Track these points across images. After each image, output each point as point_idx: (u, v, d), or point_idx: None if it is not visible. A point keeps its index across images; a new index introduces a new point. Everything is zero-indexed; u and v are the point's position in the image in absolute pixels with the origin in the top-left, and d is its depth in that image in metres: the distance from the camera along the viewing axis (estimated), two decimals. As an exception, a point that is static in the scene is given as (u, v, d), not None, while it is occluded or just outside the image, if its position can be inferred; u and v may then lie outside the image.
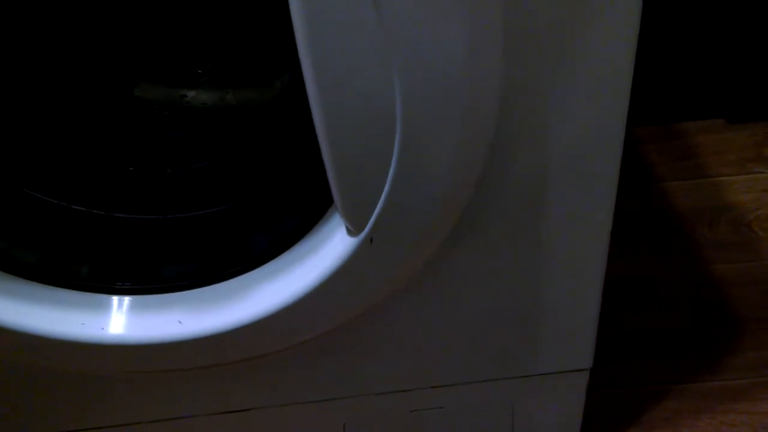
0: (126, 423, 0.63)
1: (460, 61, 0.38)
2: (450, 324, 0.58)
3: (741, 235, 0.98)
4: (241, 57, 0.53)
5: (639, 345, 0.88)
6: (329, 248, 0.48)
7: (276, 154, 0.51)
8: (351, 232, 0.46)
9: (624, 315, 0.91)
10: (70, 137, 0.54)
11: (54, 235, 0.50)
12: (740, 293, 0.92)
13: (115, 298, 0.50)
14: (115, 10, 0.52)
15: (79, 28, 0.53)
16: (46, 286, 0.49)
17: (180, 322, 0.50)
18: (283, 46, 0.40)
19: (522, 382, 0.66)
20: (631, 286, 0.94)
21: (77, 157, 0.54)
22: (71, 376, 0.56)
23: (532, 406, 0.69)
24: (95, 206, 0.52)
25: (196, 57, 0.54)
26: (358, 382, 0.64)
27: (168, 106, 0.54)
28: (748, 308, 0.91)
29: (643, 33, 0.44)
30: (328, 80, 0.38)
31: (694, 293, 0.93)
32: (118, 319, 0.50)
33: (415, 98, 0.39)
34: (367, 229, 0.45)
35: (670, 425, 0.81)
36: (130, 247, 0.51)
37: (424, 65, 0.38)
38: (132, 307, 0.50)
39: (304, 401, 0.65)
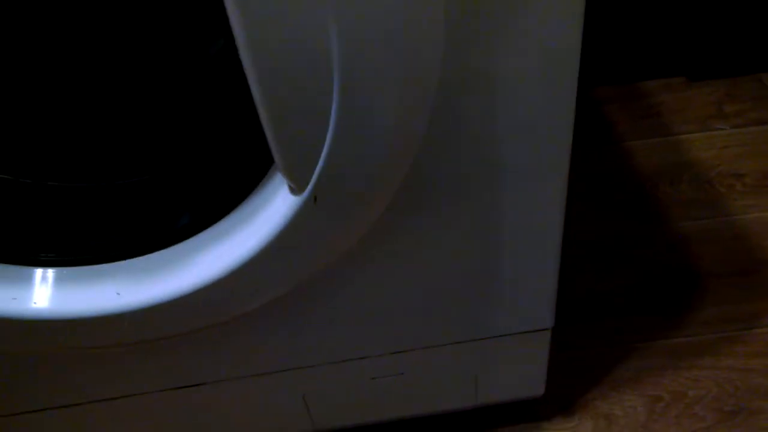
0: (72, 403, 0.60)
1: (399, 2, 0.36)
2: (405, 288, 0.57)
3: (702, 192, 0.98)
4: (174, 23, 0.50)
5: (602, 304, 0.88)
6: (272, 210, 0.45)
7: (213, 116, 0.49)
8: (293, 191, 0.44)
9: (587, 275, 0.91)
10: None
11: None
12: (702, 250, 0.92)
13: (38, 270, 0.47)
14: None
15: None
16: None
17: (118, 294, 0.47)
18: (217, 9, 0.37)
19: (483, 344, 0.64)
20: (593, 245, 0.94)
21: (2, 123, 0.50)
22: (6, 357, 0.53)
23: (494, 368, 0.68)
24: (23, 175, 0.49)
25: (125, 20, 0.51)
26: (315, 351, 0.62)
27: (97, 69, 0.51)
28: (711, 264, 0.91)
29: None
30: (257, 26, 0.35)
31: (657, 251, 0.93)
32: (50, 293, 0.47)
33: (352, 41, 0.36)
34: (310, 186, 0.43)
35: (634, 383, 0.80)
36: (58, 216, 0.48)
37: (361, 6, 0.35)
38: (61, 279, 0.47)
39: (259, 373, 0.63)
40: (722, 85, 1.11)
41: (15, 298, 0.47)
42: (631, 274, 0.90)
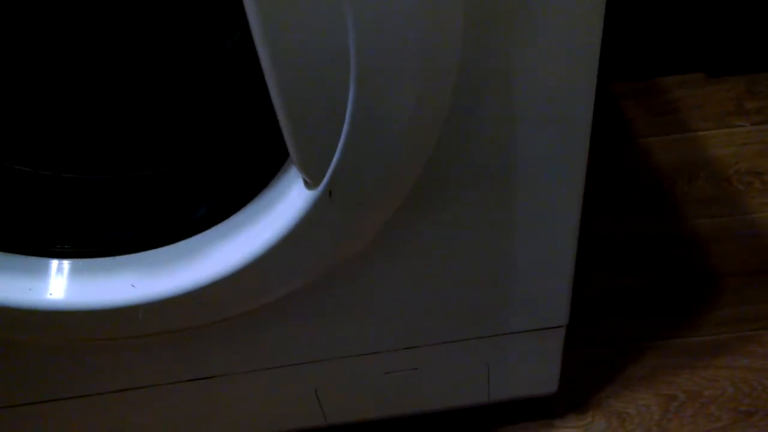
0: (83, 395, 0.60)
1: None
2: (419, 284, 0.56)
3: (720, 189, 0.97)
4: (190, 13, 0.50)
5: (618, 302, 0.87)
6: (287, 203, 0.45)
7: (228, 109, 0.48)
8: (308, 185, 0.43)
9: (603, 272, 0.90)
10: (12, 96, 0.51)
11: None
12: (720, 248, 0.91)
13: (54, 262, 0.47)
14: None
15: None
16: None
17: (133, 286, 0.47)
18: (234, 2, 0.37)
19: (496, 341, 0.64)
20: (610, 242, 0.93)
21: (21, 116, 0.51)
22: (22, 347, 0.54)
23: (507, 365, 0.67)
24: (42, 166, 0.49)
25: (141, 10, 0.50)
26: (329, 345, 0.62)
27: (114, 60, 0.51)
28: (728, 263, 0.90)
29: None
30: (273, 19, 0.35)
31: (674, 249, 0.92)
32: (65, 284, 0.47)
33: (369, 33, 0.36)
34: (325, 180, 0.42)
35: (648, 382, 0.80)
36: (75, 208, 0.48)
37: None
38: (77, 270, 0.47)
39: (273, 366, 0.63)
40: (742, 81, 1.09)
41: (31, 289, 0.47)
42: (647, 271, 0.90)
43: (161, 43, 0.48)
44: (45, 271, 0.48)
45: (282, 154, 0.44)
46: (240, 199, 0.47)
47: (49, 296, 0.47)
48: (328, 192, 0.43)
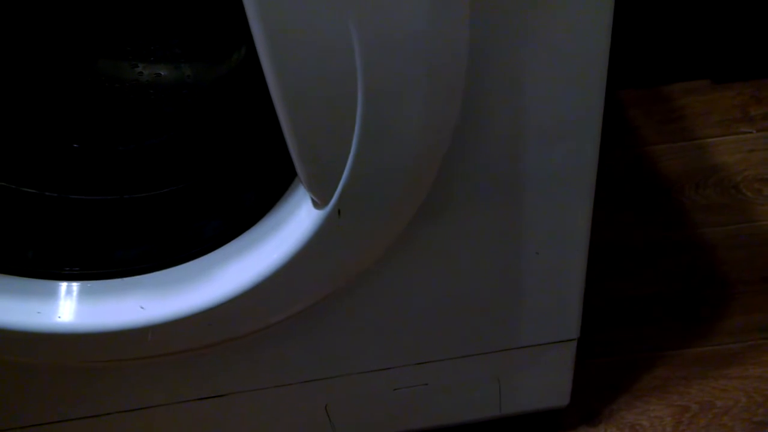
0: (91, 415, 0.60)
1: (422, 7, 0.35)
2: (429, 299, 0.56)
3: (728, 196, 0.97)
4: (195, 29, 0.50)
5: (628, 312, 0.87)
6: (295, 223, 0.45)
7: (234, 129, 0.48)
8: (317, 205, 0.43)
9: (612, 282, 0.89)
10: (18, 116, 0.51)
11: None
12: (728, 256, 0.90)
13: (63, 284, 0.47)
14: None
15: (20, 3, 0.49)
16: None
17: (142, 308, 0.47)
18: (239, 17, 0.36)
19: (507, 355, 0.63)
20: (618, 252, 0.92)
21: (27, 137, 0.51)
22: (30, 369, 0.53)
23: (518, 379, 0.67)
24: (48, 188, 0.49)
25: (148, 29, 0.51)
26: (339, 362, 0.62)
27: (120, 80, 0.51)
28: (737, 271, 0.89)
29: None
30: (279, 35, 0.35)
31: (682, 257, 0.91)
32: (74, 307, 0.47)
33: (375, 52, 0.36)
34: (333, 200, 0.42)
35: (661, 393, 0.79)
36: (82, 230, 0.48)
37: (383, 13, 0.35)
38: (86, 293, 0.47)
39: (283, 384, 0.63)
40: (748, 87, 1.09)
41: (40, 312, 0.47)
42: (656, 281, 0.89)
43: (168, 63, 0.48)
44: (54, 294, 0.47)
45: (290, 173, 0.44)
46: (249, 219, 0.47)
47: (58, 319, 0.47)
48: (337, 211, 0.43)
